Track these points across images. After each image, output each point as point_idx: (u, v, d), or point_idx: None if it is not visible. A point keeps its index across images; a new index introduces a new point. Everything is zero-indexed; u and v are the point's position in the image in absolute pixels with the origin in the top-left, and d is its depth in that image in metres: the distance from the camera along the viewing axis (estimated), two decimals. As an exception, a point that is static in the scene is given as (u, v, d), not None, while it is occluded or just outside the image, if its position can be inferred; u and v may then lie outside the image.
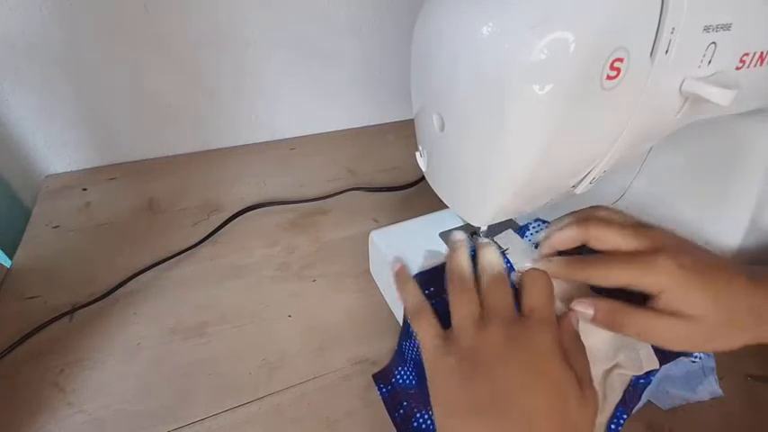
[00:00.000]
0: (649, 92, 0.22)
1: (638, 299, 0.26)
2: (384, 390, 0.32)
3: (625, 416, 0.27)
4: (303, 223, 0.48)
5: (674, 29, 0.21)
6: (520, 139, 0.23)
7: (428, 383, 0.26)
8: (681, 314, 0.24)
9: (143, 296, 0.38)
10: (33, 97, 0.48)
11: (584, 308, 0.26)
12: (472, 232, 0.35)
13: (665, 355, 0.27)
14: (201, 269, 0.42)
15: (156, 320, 0.37)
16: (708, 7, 0.22)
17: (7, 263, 0.41)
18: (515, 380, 0.23)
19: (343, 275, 0.41)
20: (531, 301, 0.27)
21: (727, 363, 0.32)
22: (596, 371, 0.27)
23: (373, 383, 0.33)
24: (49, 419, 0.30)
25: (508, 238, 0.34)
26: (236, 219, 0.47)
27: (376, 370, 0.33)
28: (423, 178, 0.46)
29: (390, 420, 0.30)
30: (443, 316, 0.28)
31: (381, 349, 0.35)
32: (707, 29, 0.22)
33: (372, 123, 0.69)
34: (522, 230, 0.36)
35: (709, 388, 0.29)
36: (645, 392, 0.28)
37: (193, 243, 0.43)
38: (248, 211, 0.48)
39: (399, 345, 0.33)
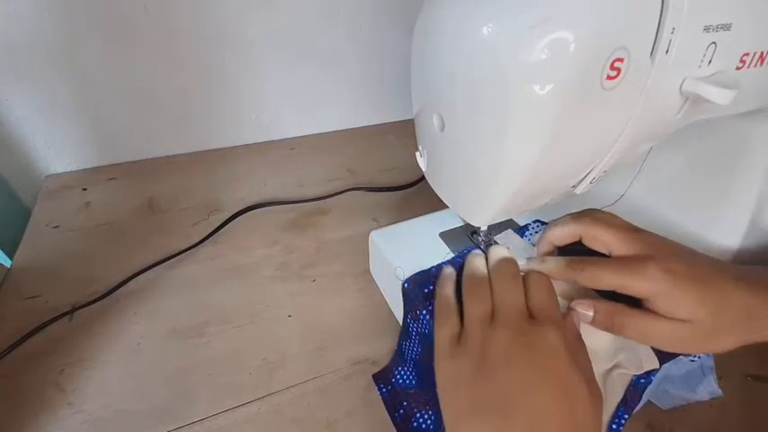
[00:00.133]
0: (649, 92, 0.22)
1: (635, 300, 0.26)
2: (384, 390, 0.32)
3: (626, 416, 0.27)
4: (303, 223, 0.48)
5: (674, 29, 0.21)
6: (520, 139, 0.23)
7: (437, 385, 0.26)
8: (673, 317, 0.24)
9: (143, 296, 0.39)
10: (33, 97, 0.48)
11: (583, 309, 0.27)
12: (472, 232, 0.35)
13: (664, 355, 0.27)
14: (201, 269, 0.42)
15: (156, 320, 0.37)
16: (708, 7, 0.22)
17: (7, 263, 0.41)
18: (524, 379, 0.23)
19: (343, 275, 0.41)
20: (538, 302, 0.27)
21: (727, 363, 0.32)
22: (597, 371, 0.27)
23: (373, 383, 0.33)
24: (49, 419, 0.30)
25: (508, 238, 0.34)
26: (236, 219, 0.47)
27: (376, 370, 0.33)
28: (423, 178, 0.46)
29: (390, 420, 0.30)
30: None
31: (381, 349, 0.35)
32: (707, 29, 0.22)
33: (372, 123, 0.69)
34: (521, 230, 0.36)
35: (709, 388, 0.29)
36: (645, 392, 0.28)
37: (193, 243, 0.43)
38: (248, 211, 0.48)
39: (399, 345, 0.33)
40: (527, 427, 0.22)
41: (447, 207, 0.33)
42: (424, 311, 0.30)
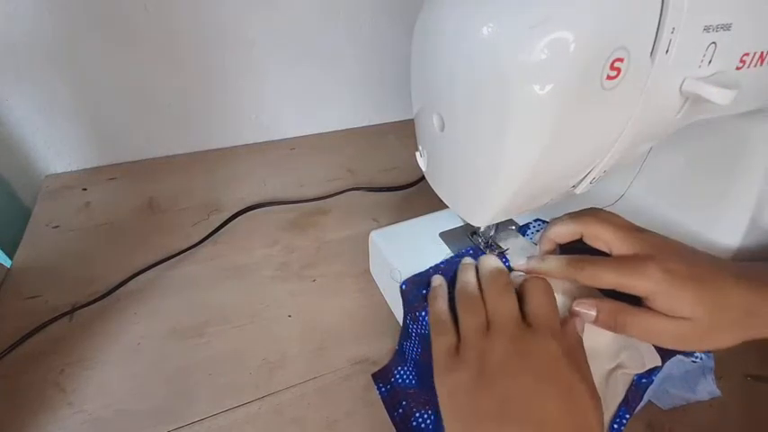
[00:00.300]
0: (649, 92, 0.22)
1: (635, 299, 0.26)
2: (383, 389, 0.32)
3: (628, 416, 0.27)
4: (303, 223, 0.48)
5: (674, 29, 0.21)
6: (520, 139, 0.23)
7: (438, 398, 0.26)
8: (674, 315, 0.24)
9: (143, 296, 0.39)
10: (33, 97, 0.48)
11: (586, 308, 0.27)
12: (472, 232, 0.35)
13: (665, 353, 0.28)
14: (201, 269, 0.42)
15: (156, 320, 0.37)
16: (708, 7, 0.22)
17: (7, 263, 0.41)
18: (523, 388, 0.23)
19: (343, 275, 0.41)
20: (535, 309, 0.27)
21: (727, 363, 0.32)
22: (599, 370, 0.27)
23: (373, 383, 0.33)
24: (49, 419, 0.30)
25: (508, 238, 0.34)
26: (236, 219, 0.47)
27: (376, 370, 0.33)
28: (423, 178, 0.46)
29: (390, 420, 0.30)
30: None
31: (381, 349, 0.35)
32: (707, 29, 0.22)
33: (372, 123, 0.69)
34: (522, 229, 0.36)
35: (708, 388, 0.29)
36: (646, 392, 0.28)
37: (193, 243, 0.43)
38: (248, 211, 0.48)
39: (400, 344, 0.34)
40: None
41: (447, 207, 0.33)
42: (423, 312, 0.30)
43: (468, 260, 0.32)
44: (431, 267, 0.33)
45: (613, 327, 0.26)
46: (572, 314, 0.27)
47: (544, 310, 0.27)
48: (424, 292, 0.31)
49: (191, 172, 0.55)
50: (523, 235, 0.35)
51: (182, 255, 0.42)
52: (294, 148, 0.62)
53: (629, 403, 0.27)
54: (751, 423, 0.32)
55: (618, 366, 0.28)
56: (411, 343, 0.32)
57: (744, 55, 0.24)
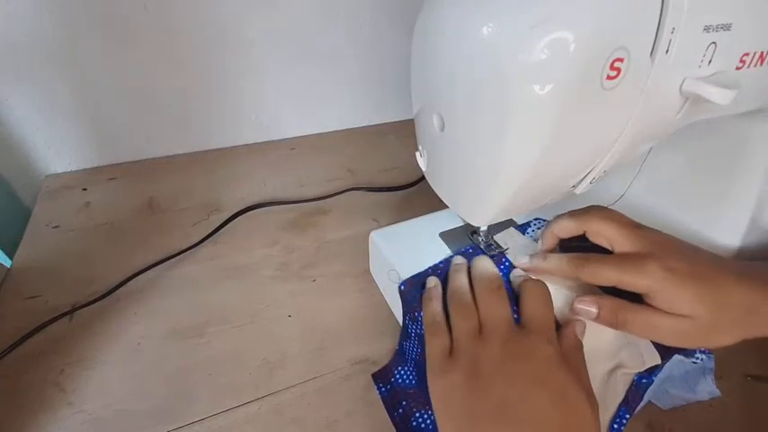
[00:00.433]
0: (649, 92, 0.22)
1: (636, 297, 0.26)
2: (383, 389, 0.32)
3: (628, 416, 0.27)
4: (303, 223, 0.48)
5: (674, 29, 0.21)
6: (520, 139, 0.23)
7: (432, 400, 0.26)
8: (674, 313, 0.24)
9: (143, 296, 0.38)
10: (33, 97, 0.48)
11: (587, 305, 0.27)
12: (472, 232, 0.35)
13: (665, 352, 0.28)
14: (201, 269, 0.42)
15: (156, 320, 0.37)
16: (708, 7, 0.22)
17: (7, 263, 0.41)
18: (517, 391, 0.24)
19: (343, 275, 0.41)
20: (530, 311, 0.27)
21: (727, 363, 0.32)
22: (599, 370, 0.27)
23: (373, 383, 0.33)
24: (49, 419, 0.30)
25: (509, 235, 0.34)
26: (236, 219, 0.47)
27: (376, 370, 0.33)
28: (423, 178, 0.46)
29: (390, 420, 0.30)
30: None
31: (381, 349, 0.35)
32: (707, 29, 0.22)
33: (372, 123, 0.69)
34: (523, 228, 0.36)
35: (708, 388, 0.29)
36: (646, 392, 0.28)
37: (193, 243, 0.43)
38: (248, 211, 0.48)
39: (400, 344, 0.34)
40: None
41: (447, 207, 0.33)
42: (422, 313, 0.30)
43: (459, 260, 0.32)
44: (429, 267, 0.33)
45: (614, 324, 0.26)
46: (574, 311, 0.27)
47: (539, 313, 0.27)
48: (423, 292, 0.31)
49: (191, 172, 0.55)
50: (523, 234, 0.35)
51: (182, 255, 0.42)
52: (294, 148, 0.61)
53: (629, 403, 0.27)
54: (751, 423, 0.32)
55: (618, 366, 0.28)
56: (411, 343, 0.32)
57: (744, 55, 0.24)
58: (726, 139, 0.36)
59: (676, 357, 0.29)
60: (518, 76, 0.21)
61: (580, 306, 0.27)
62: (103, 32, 0.47)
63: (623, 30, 0.20)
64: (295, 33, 0.55)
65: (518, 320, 0.28)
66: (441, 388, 0.26)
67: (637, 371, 0.27)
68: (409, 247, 0.35)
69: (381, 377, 0.33)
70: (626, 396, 0.27)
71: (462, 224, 0.36)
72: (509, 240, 0.34)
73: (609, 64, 0.20)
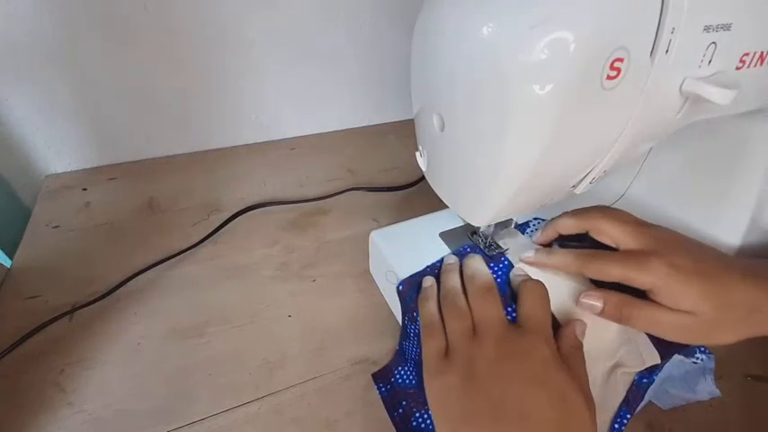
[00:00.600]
0: (649, 92, 0.22)
1: (640, 293, 0.26)
2: (383, 389, 0.32)
3: (629, 415, 0.27)
4: (303, 223, 0.48)
5: (674, 29, 0.21)
6: (520, 139, 0.23)
7: (428, 400, 0.26)
8: (678, 309, 0.25)
9: (143, 296, 0.38)
10: (33, 97, 0.48)
11: (593, 300, 0.27)
12: (472, 232, 0.35)
13: (664, 351, 0.28)
14: (201, 269, 0.42)
15: (156, 320, 0.37)
16: (708, 7, 0.22)
17: (7, 263, 0.41)
18: (513, 391, 0.24)
19: (343, 275, 0.41)
20: (527, 311, 0.27)
21: (727, 363, 0.32)
22: (599, 370, 0.27)
23: (373, 383, 0.33)
24: (49, 419, 0.30)
25: (508, 234, 0.34)
26: (236, 219, 0.47)
27: (376, 370, 0.33)
28: (423, 178, 0.46)
29: (390, 420, 0.30)
30: None
31: (381, 349, 0.35)
32: (707, 29, 0.22)
33: (372, 123, 0.69)
34: (522, 227, 0.36)
35: (708, 388, 0.29)
36: (647, 392, 0.28)
37: (193, 243, 0.43)
38: (248, 211, 0.48)
39: (400, 344, 0.34)
40: (519, 429, 0.22)
41: (447, 207, 0.33)
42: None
43: (451, 259, 0.32)
44: (427, 267, 0.33)
45: (619, 318, 0.26)
46: (579, 305, 0.28)
47: (536, 313, 0.27)
48: (420, 292, 0.31)
49: (191, 172, 0.55)
50: (523, 234, 0.35)
51: (182, 255, 0.42)
52: (294, 148, 0.61)
53: (629, 403, 0.27)
54: (751, 423, 0.32)
55: (618, 365, 0.28)
56: (410, 343, 0.32)
57: (744, 55, 0.24)
58: (726, 139, 0.36)
59: (676, 357, 0.29)
60: (518, 76, 0.21)
61: (585, 300, 0.27)
62: (103, 32, 0.47)
63: (623, 30, 0.20)
64: (295, 33, 0.55)
65: (514, 320, 0.28)
66: (436, 389, 0.26)
67: (636, 370, 0.27)
68: (409, 248, 0.35)
69: (381, 377, 0.33)
70: (627, 396, 0.27)
71: (462, 224, 0.36)
72: (509, 240, 0.34)
73: (609, 64, 0.20)
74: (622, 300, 0.26)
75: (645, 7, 0.20)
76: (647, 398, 0.30)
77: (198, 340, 0.35)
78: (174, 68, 0.52)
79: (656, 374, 0.28)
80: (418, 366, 0.31)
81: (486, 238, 0.34)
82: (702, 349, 0.30)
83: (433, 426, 0.28)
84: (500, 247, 0.33)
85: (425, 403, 0.29)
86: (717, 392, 0.29)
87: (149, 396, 0.31)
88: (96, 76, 0.49)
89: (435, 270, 0.32)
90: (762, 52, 0.25)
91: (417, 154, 0.33)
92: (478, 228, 0.34)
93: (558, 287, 0.29)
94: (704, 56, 0.23)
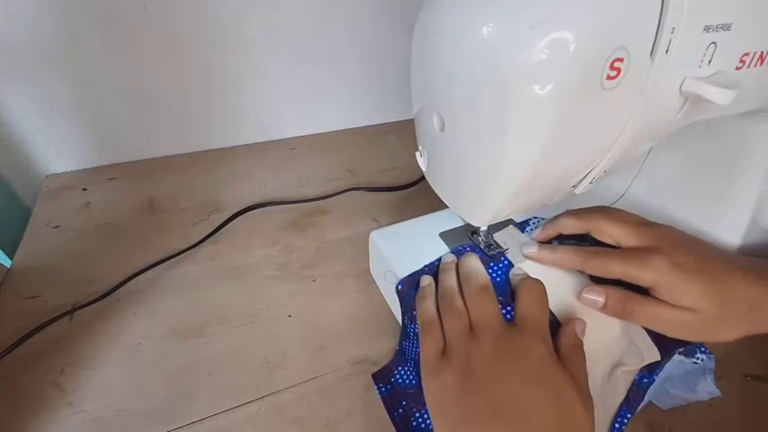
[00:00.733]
0: (649, 92, 0.22)
1: (641, 290, 0.26)
2: (383, 389, 0.32)
3: (629, 415, 0.27)
4: (303, 223, 0.48)
5: (674, 29, 0.21)
6: (520, 139, 0.23)
7: (426, 400, 0.26)
8: (679, 306, 0.25)
9: (143, 296, 0.38)
10: (33, 97, 0.48)
11: (595, 295, 0.27)
12: (472, 232, 0.35)
13: (664, 350, 0.28)
14: (201, 269, 0.42)
15: (156, 320, 0.37)
16: (708, 7, 0.22)
17: (7, 263, 0.41)
18: (510, 389, 0.24)
19: (343, 275, 0.41)
20: (525, 310, 0.27)
21: (727, 363, 0.32)
22: (599, 369, 0.27)
23: (373, 383, 0.33)
24: (49, 419, 0.30)
25: (508, 233, 0.34)
26: (236, 219, 0.47)
27: (376, 370, 0.33)
28: (423, 178, 0.46)
29: (390, 420, 0.30)
30: None
31: (381, 349, 0.35)
32: (707, 29, 0.22)
33: (372, 123, 0.69)
34: (522, 226, 0.36)
35: (708, 388, 0.29)
36: (647, 392, 0.28)
37: (193, 243, 0.43)
38: (248, 211, 0.48)
39: (400, 344, 0.34)
40: (517, 429, 0.22)
41: (447, 207, 0.33)
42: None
43: (449, 258, 0.32)
44: (426, 266, 0.33)
45: (620, 313, 0.26)
46: (581, 300, 0.28)
47: (533, 312, 0.27)
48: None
49: (191, 172, 0.55)
50: (522, 231, 0.35)
51: (182, 255, 0.42)
52: (294, 148, 0.61)
53: (630, 403, 0.27)
54: (751, 423, 0.32)
55: (618, 363, 0.28)
56: (410, 343, 0.32)
57: (744, 55, 0.24)
58: (726, 139, 0.36)
59: (676, 357, 0.29)
60: (518, 76, 0.21)
61: (587, 295, 0.27)
62: (103, 32, 0.47)
63: (623, 30, 0.20)
64: (295, 33, 0.55)
65: (512, 318, 0.28)
66: (434, 388, 0.26)
67: (636, 367, 0.27)
68: (409, 248, 0.35)
69: (381, 377, 0.33)
70: (627, 395, 0.27)
71: (462, 224, 0.36)
72: (509, 240, 0.34)
73: (609, 64, 0.20)
74: (624, 295, 0.26)
75: (645, 7, 0.20)
76: (647, 398, 0.30)
77: (198, 340, 0.35)
78: (174, 68, 0.52)
79: (657, 374, 0.28)
80: (418, 366, 0.31)
81: (486, 238, 0.34)
82: (703, 349, 0.30)
83: (433, 426, 0.28)
84: (500, 246, 0.33)
85: (425, 403, 0.29)
86: (717, 392, 0.29)
87: (149, 396, 0.31)
88: (96, 76, 0.49)
89: (434, 269, 0.32)
90: (762, 52, 0.25)
91: (417, 154, 0.33)
92: (478, 228, 0.34)
93: (559, 284, 0.29)
94: (704, 56, 0.23)
